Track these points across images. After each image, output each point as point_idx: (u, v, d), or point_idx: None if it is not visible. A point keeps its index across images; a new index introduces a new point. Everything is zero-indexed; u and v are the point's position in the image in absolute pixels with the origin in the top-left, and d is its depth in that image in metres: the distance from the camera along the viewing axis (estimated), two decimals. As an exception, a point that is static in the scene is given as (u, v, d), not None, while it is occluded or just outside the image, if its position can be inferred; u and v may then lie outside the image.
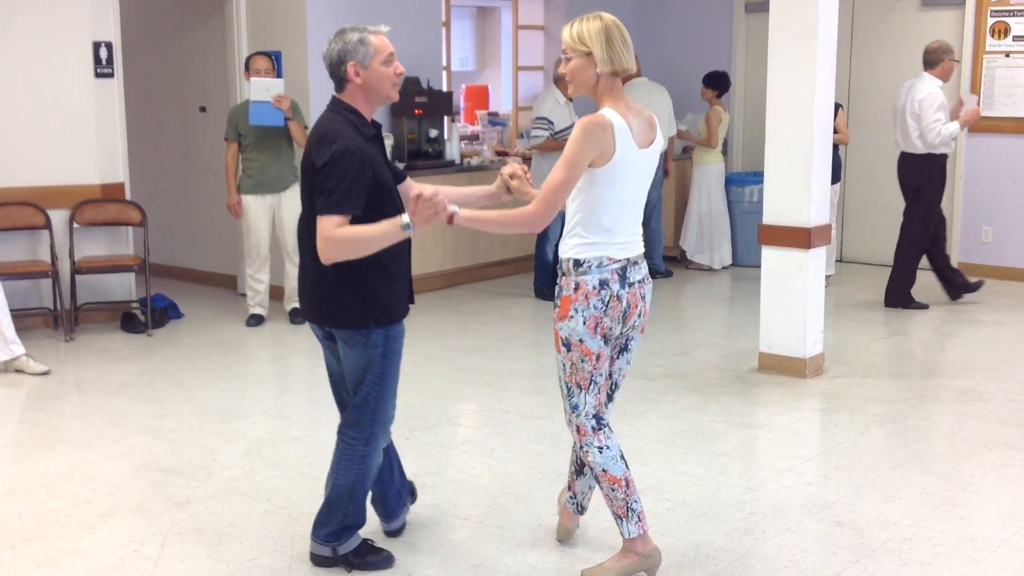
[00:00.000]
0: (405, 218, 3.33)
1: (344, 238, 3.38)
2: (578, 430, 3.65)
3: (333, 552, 3.82)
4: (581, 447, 3.66)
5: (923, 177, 7.88)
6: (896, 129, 7.99)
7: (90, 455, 5.09)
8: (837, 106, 7.94)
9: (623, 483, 3.64)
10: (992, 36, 9.05)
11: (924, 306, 8.03)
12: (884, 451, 5.09)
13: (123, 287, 7.87)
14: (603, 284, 3.50)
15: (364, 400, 3.69)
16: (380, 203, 3.50)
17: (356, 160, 3.42)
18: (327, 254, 3.41)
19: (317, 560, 3.85)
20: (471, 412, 5.94)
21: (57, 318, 7.50)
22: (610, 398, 3.80)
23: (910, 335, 7.30)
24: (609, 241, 3.51)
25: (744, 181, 9.84)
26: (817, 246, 6.22)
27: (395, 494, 4.07)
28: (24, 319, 7.25)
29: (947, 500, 4.49)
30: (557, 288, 3.60)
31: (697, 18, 10.67)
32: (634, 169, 3.51)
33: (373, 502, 4.05)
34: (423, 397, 5.96)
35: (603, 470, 3.63)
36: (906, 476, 4.77)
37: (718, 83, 9.51)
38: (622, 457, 3.68)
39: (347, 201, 3.39)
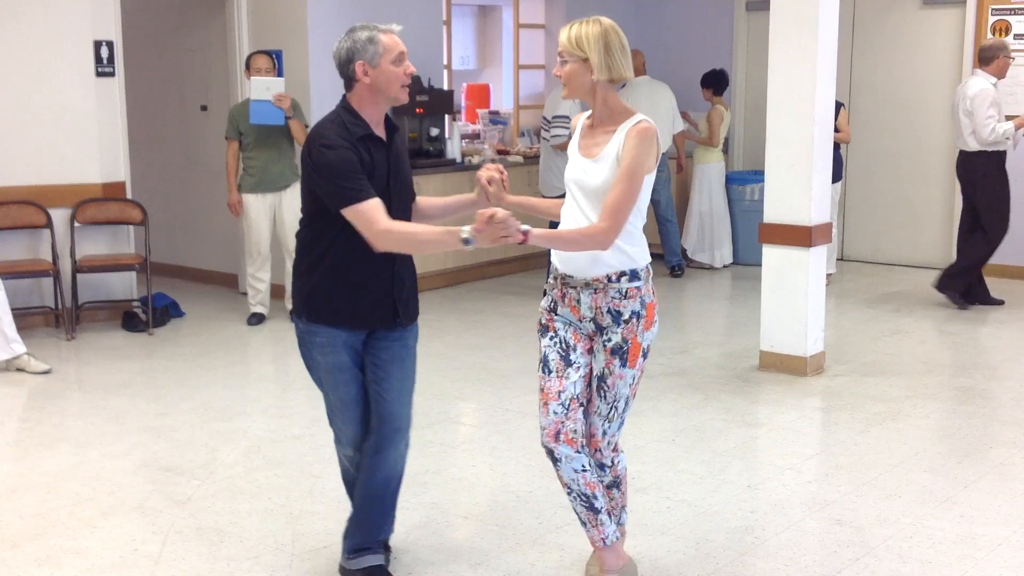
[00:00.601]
0: (467, 231, 3.20)
1: (400, 233, 3.33)
2: (615, 448, 3.62)
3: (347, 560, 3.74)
4: (615, 463, 3.62)
5: (977, 174, 7.79)
6: (954, 127, 7.94)
7: (91, 454, 5.09)
8: (838, 105, 7.93)
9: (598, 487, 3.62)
10: (993, 34, 9.04)
11: (999, 302, 8.04)
12: (885, 449, 5.09)
13: (124, 286, 7.87)
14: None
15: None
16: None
17: (338, 155, 3.33)
18: (378, 244, 3.34)
19: None
20: (472, 410, 5.95)
21: (58, 317, 7.51)
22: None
23: (910, 333, 7.30)
24: (645, 244, 3.50)
25: (745, 180, 9.84)
26: (818, 244, 6.22)
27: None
28: (25, 318, 7.25)
29: (947, 498, 4.49)
30: (616, 297, 3.40)
31: (697, 16, 10.67)
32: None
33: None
34: (424, 395, 5.94)
35: (622, 472, 3.69)
36: (907, 474, 4.77)
37: (716, 82, 9.51)
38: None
39: (354, 188, 3.31)
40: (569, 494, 3.54)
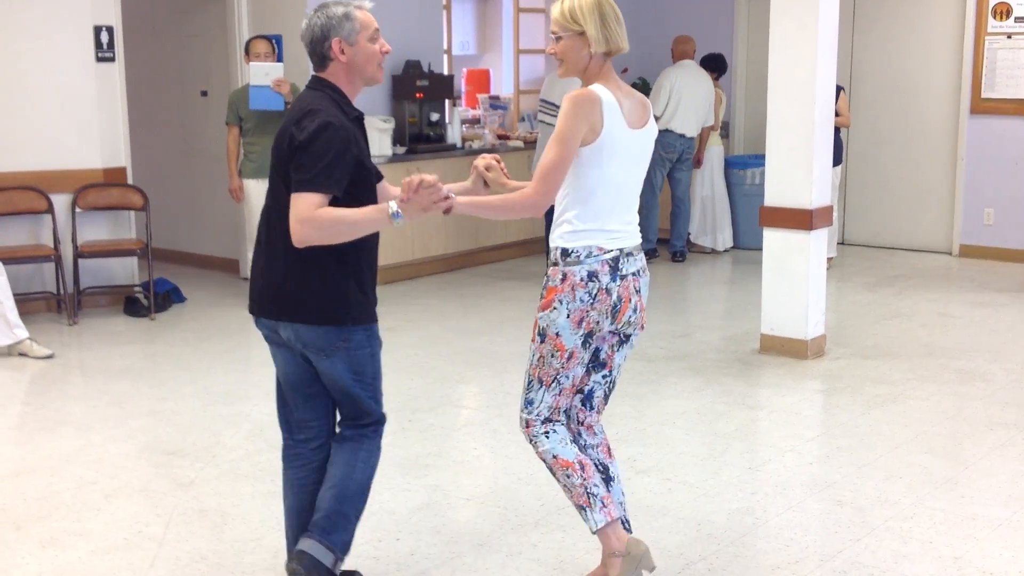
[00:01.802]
0: (394, 205, 3.05)
1: (326, 220, 3.06)
2: (527, 424, 3.43)
3: (335, 563, 3.39)
4: (529, 440, 3.45)
5: None
6: None
7: (94, 437, 5.11)
8: (838, 89, 7.93)
9: (577, 466, 3.38)
10: (994, 17, 9.03)
11: None
12: (885, 431, 5.11)
13: (126, 271, 7.88)
14: (592, 276, 3.29)
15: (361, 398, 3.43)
16: (360, 189, 3.22)
17: (340, 136, 3.12)
18: (302, 235, 3.08)
19: (311, 564, 3.34)
20: (473, 394, 5.96)
21: (60, 302, 7.52)
22: (606, 399, 3.56)
23: (911, 317, 7.31)
24: (599, 228, 3.30)
25: (746, 164, 9.84)
26: (818, 228, 6.22)
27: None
28: (27, 303, 7.26)
29: (948, 479, 4.51)
30: (545, 278, 3.38)
31: None
32: (624, 149, 3.30)
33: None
34: (425, 379, 5.97)
35: (553, 456, 3.40)
36: (907, 456, 4.78)
37: (715, 66, 9.54)
38: (573, 442, 3.47)
39: (329, 179, 3.09)
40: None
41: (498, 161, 3.54)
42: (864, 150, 9.90)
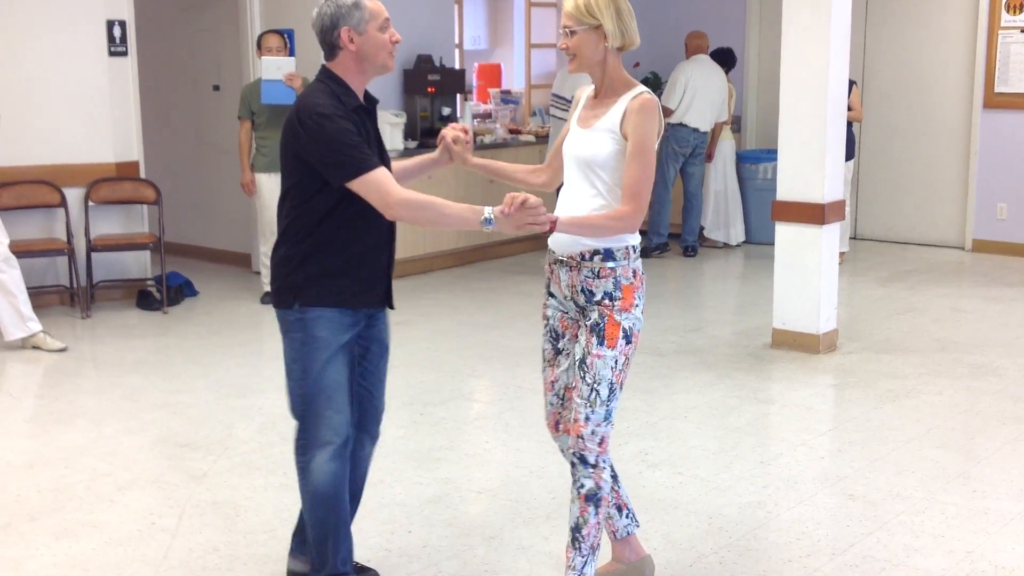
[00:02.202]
0: (489, 211, 3.03)
1: (420, 203, 3.11)
2: (601, 443, 3.22)
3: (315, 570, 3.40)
4: (595, 466, 3.22)
5: None
6: None
7: (107, 430, 5.13)
8: (851, 83, 7.90)
9: (609, 497, 3.39)
10: (1008, 11, 8.99)
11: None
12: (898, 425, 5.10)
13: (138, 265, 7.91)
14: (641, 268, 3.31)
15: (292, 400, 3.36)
16: None
17: (336, 125, 3.12)
18: (397, 214, 3.12)
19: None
20: (485, 388, 5.97)
21: (73, 296, 7.55)
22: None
23: (924, 311, 7.29)
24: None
25: (758, 158, 9.82)
26: (831, 222, 6.21)
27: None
28: (41, 296, 7.29)
29: (960, 473, 4.50)
30: (593, 277, 3.21)
31: (710, -7, 10.64)
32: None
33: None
34: (437, 373, 5.98)
35: (607, 492, 3.27)
36: (919, 450, 4.78)
37: (725, 60, 9.51)
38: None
39: (364, 154, 3.11)
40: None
41: (466, 132, 3.47)
42: (876, 145, 9.87)
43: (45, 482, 4.49)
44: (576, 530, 3.25)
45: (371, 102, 3.35)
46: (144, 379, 5.95)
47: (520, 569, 3.70)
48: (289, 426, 3.60)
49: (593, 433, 3.21)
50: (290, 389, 3.35)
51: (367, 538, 3.88)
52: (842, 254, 7.89)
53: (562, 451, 3.46)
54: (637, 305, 3.24)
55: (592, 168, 3.22)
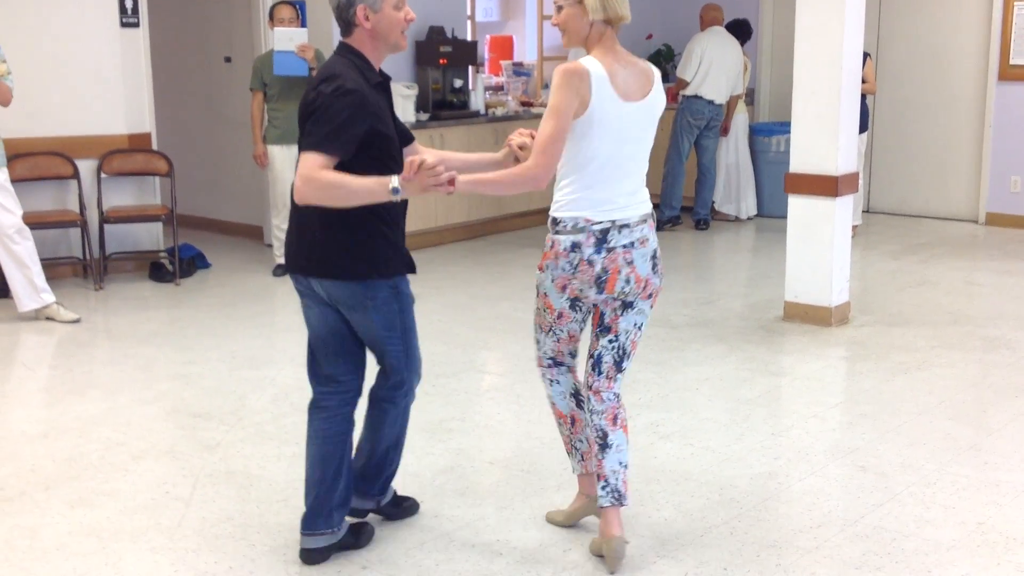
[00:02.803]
0: (395, 181, 3.11)
1: (326, 182, 3.13)
2: (537, 362, 3.66)
3: (377, 504, 3.80)
4: (541, 377, 3.69)
5: None
6: None
7: (121, 400, 5.16)
8: (865, 55, 7.86)
9: (568, 420, 3.68)
10: (1024, -18, 8.91)
11: None
12: (909, 398, 5.10)
13: (151, 237, 7.93)
14: (575, 246, 3.32)
15: (395, 356, 3.53)
16: (381, 156, 3.29)
17: (355, 101, 3.18)
18: (302, 193, 3.16)
19: (357, 513, 3.74)
20: (497, 359, 5.98)
21: (86, 267, 7.58)
22: (617, 366, 3.50)
23: (936, 284, 7.27)
24: (588, 200, 3.32)
25: (771, 131, 9.78)
26: (844, 194, 6.19)
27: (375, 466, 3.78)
28: (54, 268, 7.32)
29: (972, 446, 4.50)
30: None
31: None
32: (616, 122, 3.28)
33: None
34: (449, 345, 5.99)
35: (552, 403, 3.70)
36: (931, 422, 4.77)
37: (740, 32, 9.46)
38: (573, 396, 3.65)
39: (335, 142, 3.16)
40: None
41: (532, 137, 3.47)
42: (890, 117, 9.81)
43: (60, 452, 4.52)
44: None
45: (385, 78, 3.42)
46: (157, 350, 5.98)
47: (531, 539, 3.72)
48: (301, 398, 3.62)
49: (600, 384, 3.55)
50: (393, 354, 3.50)
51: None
52: (855, 227, 7.87)
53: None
54: (544, 271, 3.44)
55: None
